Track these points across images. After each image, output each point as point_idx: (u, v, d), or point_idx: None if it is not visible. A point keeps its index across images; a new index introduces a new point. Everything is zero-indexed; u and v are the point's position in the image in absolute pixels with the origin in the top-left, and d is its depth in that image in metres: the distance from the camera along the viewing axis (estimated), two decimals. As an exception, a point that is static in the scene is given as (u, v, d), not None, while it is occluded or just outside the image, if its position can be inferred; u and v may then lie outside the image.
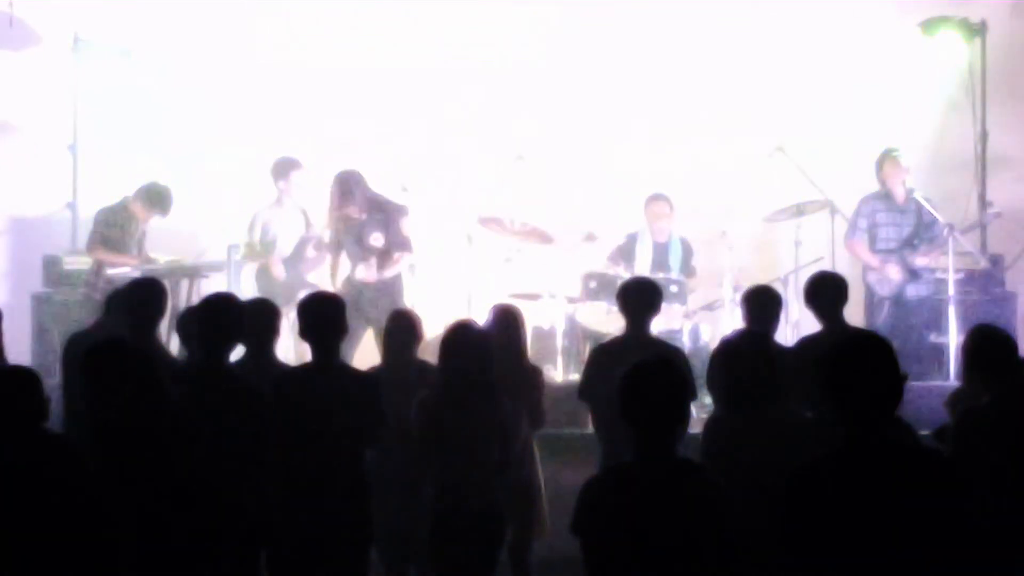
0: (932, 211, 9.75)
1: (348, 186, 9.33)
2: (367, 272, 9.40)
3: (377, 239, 9.35)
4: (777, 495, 3.93)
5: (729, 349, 5.64)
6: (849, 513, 3.81)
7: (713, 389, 5.87)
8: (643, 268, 10.05)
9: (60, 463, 4.87)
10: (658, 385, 4.26)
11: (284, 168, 10.12)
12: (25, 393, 4.92)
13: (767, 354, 5.52)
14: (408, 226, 9.55)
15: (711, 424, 5.55)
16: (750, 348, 5.58)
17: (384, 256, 9.42)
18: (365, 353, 9.20)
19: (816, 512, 3.84)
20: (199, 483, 5.14)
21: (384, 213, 9.44)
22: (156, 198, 9.88)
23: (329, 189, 9.46)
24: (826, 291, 7.00)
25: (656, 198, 10.42)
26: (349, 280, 9.48)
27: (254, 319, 6.30)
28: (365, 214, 9.39)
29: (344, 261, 9.63)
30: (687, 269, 10.37)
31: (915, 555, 3.78)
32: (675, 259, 10.31)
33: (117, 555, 4.78)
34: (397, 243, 9.43)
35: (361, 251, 9.43)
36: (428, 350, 7.03)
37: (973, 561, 3.81)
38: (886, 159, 9.90)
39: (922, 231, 9.85)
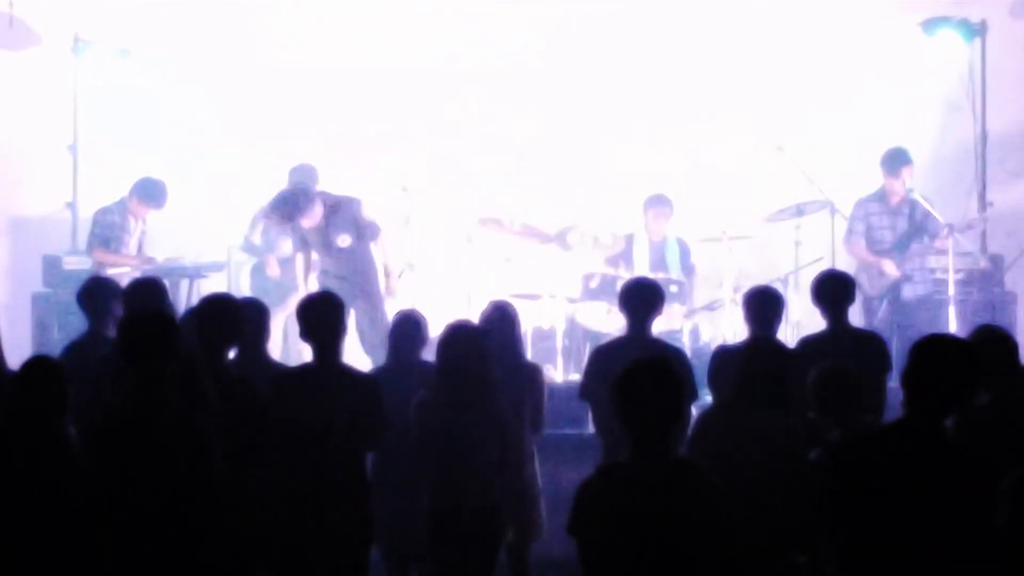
0: (931, 210, 9.74)
1: (296, 203, 9.23)
2: (385, 293, 9.40)
3: (344, 240, 9.29)
4: (759, 494, 3.99)
5: (748, 348, 5.80)
6: (883, 490, 3.91)
7: (716, 384, 5.94)
8: (641, 269, 10.05)
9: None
10: (652, 385, 4.25)
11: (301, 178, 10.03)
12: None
13: (782, 359, 5.66)
14: (368, 210, 9.47)
15: (702, 419, 5.58)
16: (768, 350, 5.73)
17: (387, 275, 9.40)
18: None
19: (852, 484, 3.95)
20: (200, 481, 5.14)
21: (341, 211, 9.36)
22: (151, 192, 9.88)
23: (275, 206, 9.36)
24: (831, 289, 6.98)
25: (656, 201, 10.40)
26: (324, 273, 9.40)
27: (246, 319, 6.29)
28: (323, 220, 9.31)
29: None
30: (686, 268, 10.37)
31: (936, 542, 3.87)
32: (673, 258, 10.31)
33: (111, 553, 4.79)
34: (368, 233, 9.36)
35: (332, 254, 9.38)
36: (427, 350, 7.02)
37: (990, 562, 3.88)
38: (906, 165, 9.83)
39: (916, 232, 9.84)
